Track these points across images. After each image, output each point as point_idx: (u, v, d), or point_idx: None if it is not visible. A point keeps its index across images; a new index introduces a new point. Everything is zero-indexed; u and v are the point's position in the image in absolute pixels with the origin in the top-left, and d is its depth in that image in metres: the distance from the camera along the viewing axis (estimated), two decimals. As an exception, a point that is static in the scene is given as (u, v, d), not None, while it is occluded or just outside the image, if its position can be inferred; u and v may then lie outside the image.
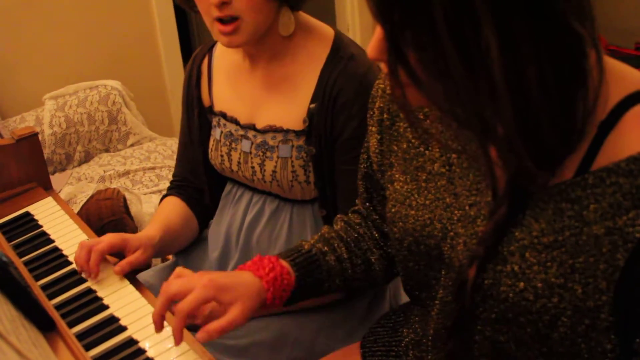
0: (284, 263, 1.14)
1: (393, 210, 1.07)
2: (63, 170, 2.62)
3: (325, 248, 1.20)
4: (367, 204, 1.23)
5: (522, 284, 0.87)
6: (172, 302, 1.06)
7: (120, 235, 1.34)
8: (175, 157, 2.57)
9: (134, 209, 1.99)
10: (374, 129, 1.12)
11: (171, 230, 1.51)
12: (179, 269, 1.12)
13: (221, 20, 1.30)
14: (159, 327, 1.07)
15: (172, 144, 2.69)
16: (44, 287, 1.30)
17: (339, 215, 1.29)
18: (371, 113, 1.12)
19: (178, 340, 1.04)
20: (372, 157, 1.15)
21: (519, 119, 0.76)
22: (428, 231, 1.00)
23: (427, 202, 1.01)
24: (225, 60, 1.52)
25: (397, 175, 1.07)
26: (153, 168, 2.50)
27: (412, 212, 1.02)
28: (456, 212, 0.97)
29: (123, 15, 3.01)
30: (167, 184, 2.28)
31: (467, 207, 0.95)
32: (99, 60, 2.97)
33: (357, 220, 1.25)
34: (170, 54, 3.16)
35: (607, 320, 0.83)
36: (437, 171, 1.00)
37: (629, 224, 0.79)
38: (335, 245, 1.21)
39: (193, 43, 4.77)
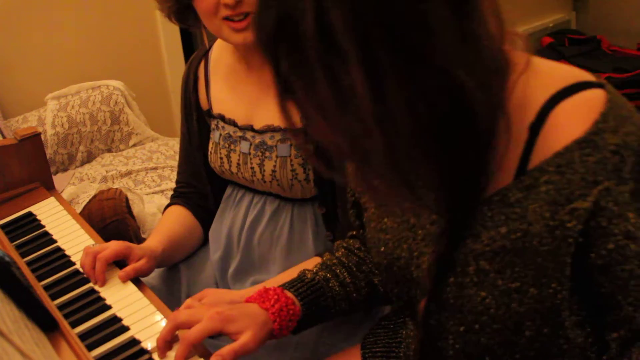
0: (289, 294, 1.16)
1: (369, 235, 1.09)
2: (65, 170, 2.62)
3: (328, 275, 1.21)
4: (361, 230, 1.25)
5: (483, 292, 0.88)
6: (177, 329, 1.10)
7: (125, 244, 1.35)
8: (177, 157, 2.58)
9: (136, 209, 1.99)
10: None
11: (174, 242, 1.51)
12: (189, 301, 1.16)
13: (231, 19, 1.31)
14: (162, 353, 1.10)
15: (174, 144, 2.69)
16: (47, 287, 1.30)
17: (338, 242, 1.31)
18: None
19: None
20: (352, 185, 1.16)
21: (391, 156, 0.78)
22: (397, 253, 1.01)
23: (395, 224, 1.02)
24: (221, 64, 1.52)
25: (367, 201, 1.10)
26: (155, 168, 2.50)
27: (383, 235, 1.04)
28: (419, 231, 0.98)
29: (125, 16, 3.01)
30: (170, 184, 2.28)
31: (428, 226, 0.96)
32: (101, 61, 2.96)
33: (357, 245, 1.27)
34: (172, 55, 3.16)
35: (570, 317, 0.85)
36: None
37: (567, 219, 0.81)
38: (338, 271, 1.22)
39: (195, 43, 4.76)
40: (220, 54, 1.52)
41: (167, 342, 1.09)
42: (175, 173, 2.43)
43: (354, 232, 1.29)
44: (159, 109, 3.17)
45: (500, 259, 0.86)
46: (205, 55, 1.56)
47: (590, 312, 0.86)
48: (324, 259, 1.26)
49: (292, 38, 0.75)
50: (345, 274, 1.22)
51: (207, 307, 1.12)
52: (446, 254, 0.91)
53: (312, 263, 1.40)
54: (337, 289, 1.20)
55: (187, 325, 1.08)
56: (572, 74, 0.87)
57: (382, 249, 1.04)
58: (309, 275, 1.21)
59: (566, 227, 0.81)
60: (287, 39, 0.76)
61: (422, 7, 0.73)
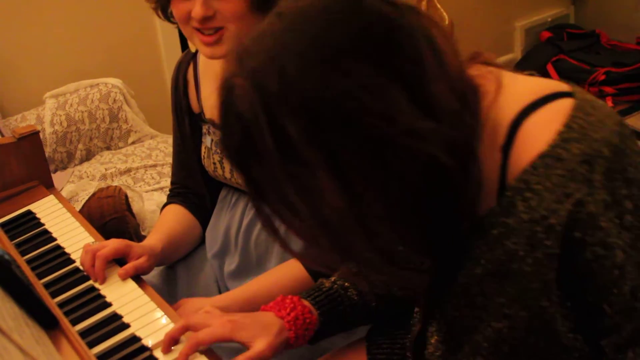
0: (305, 302, 1.16)
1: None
2: (64, 168, 2.62)
3: (347, 283, 1.20)
4: None
5: (486, 316, 0.87)
6: (188, 330, 1.11)
7: (124, 241, 1.35)
8: (176, 155, 2.57)
9: (135, 206, 1.99)
10: None
11: (173, 240, 1.51)
12: (208, 307, 1.18)
13: (202, 31, 1.30)
14: (166, 348, 1.11)
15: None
16: (47, 285, 1.30)
17: None
18: None
19: None
20: None
21: (373, 243, 0.79)
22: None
23: None
24: (211, 67, 1.50)
25: None
26: (154, 165, 2.50)
27: None
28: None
29: (123, 13, 3.00)
30: (169, 182, 2.27)
31: None
32: (100, 58, 2.96)
33: None
34: (170, 52, 3.16)
35: (564, 325, 0.84)
36: None
37: (544, 237, 0.79)
38: (357, 279, 1.20)
39: (193, 41, 4.77)
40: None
41: (174, 339, 1.11)
42: (175, 170, 2.43)
43: None
44: (158, 107, 3.16)
45: (496, 281, 0.85)
46: (194, 58, 1.54)
47: (582, 317, 0.84)
48: (344, 267, 1.24)
49: (255, 155, 0.78)
50: (364, 282, 1.19)
51: (220, 314, 1.13)
52: (444, 281, 0.90)
53: (291, 264, 1.40)
54: (356, 298, 1.19)
55: (198, 328, 1.09)
56: (541, 86, 0.85)
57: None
58: (326, 284, 1.20)
59: (545, 244, 0.79)
60: (252, 156, 0.79)
61: (372, 95, 0.74)
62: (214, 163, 1.50)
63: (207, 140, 1.51)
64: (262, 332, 1.09)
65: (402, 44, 0.77)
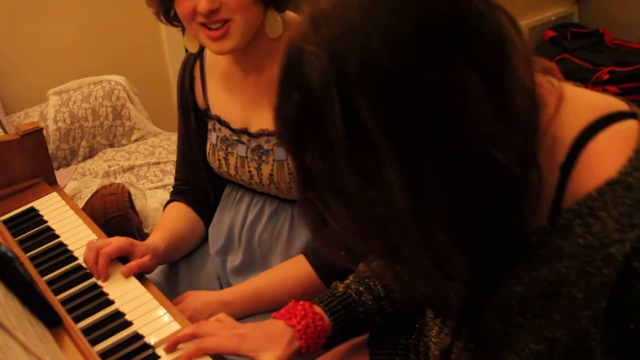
0: (317, 309, 1.14)
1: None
2: (67, 165, 2.62)
3: (361, 288, 1.18)
4: None
5: (525, 335, 0.85)
6: (196, 337, 1.10)
7: (128, 240, 1.35)
8: (180, 152, 2.57)
9: (138, 204, 1.99)
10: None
11: (176, 239, 1.51)
12: (221, 315, 1.17)
13: (208, 27, 1.30)
14: (170, 348, 1.10)
15: (176, 139, 2.68)
16: (50, 283, 1.30)
17: None
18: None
19: None
20: None
21: (430, 248, 0.75)
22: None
23: None
24: (218, 64, 1.51)
25: None
26: (157, 163, 2.50)
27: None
28: None
29: (127, 10, 3.00)
30: (172, 179, 2.27)
31: None
32: (103, 56, 2.96)
33: None
34: (174, 49, 3.16)
35: (600, 350, 0.81)
36: None
37: (603, 265, 0.76)
38: (372, 284, 1.18)
39: (197, 38, 4.77)
40: (216, 55, 1.51)
41: (179, 343, 1.10)
42: (177, 168, 2.43)
43: None
44: (161, 104, 3.16)
45: (541, 302, 0.82)
46: (200, 55, 1.55)
47: (618, 343, 0.81)
48: (359, 269, 1.22)
49: (316, 132, 0.73)
50: (379, 287, 1.18)
51: (231, 325, 1.13)
52: (483, 296, 0.87)
53: (296, 261, 1.40)
54: (370, 303, 1.17)
55: (205, 337, 1.09)
56: (602, 103, 0.82)
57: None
58: (340, 289, 1.18)
59: (603, 273, 0.76)
60: (310, 130, 0.73)
61: (460, 93, 0.70)
62: (219, 159, 1.50)
63: (212, 137, 1.51)
64: (271, 345, 1.08)
65: (493, 44, 0.73)
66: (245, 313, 1.40)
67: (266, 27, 1.34)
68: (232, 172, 1.49)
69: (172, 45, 3.15)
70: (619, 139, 0.78)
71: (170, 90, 3.22)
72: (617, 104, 0.82)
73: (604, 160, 0.77)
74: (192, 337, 1.10)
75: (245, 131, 1.44)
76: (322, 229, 0.83)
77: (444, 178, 0.72)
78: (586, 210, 0.77)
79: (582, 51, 3.78)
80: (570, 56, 3.74)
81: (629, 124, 0.79)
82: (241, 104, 1.46)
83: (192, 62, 1.55)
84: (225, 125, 1.48)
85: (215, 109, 1.51)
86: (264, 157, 1.41)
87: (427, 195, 0.72)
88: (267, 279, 1.41)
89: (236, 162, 1.47)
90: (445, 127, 0.70)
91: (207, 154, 1.54)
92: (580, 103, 0.82)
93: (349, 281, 1.20)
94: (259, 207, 1.49)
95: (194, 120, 1.55)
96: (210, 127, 1.52)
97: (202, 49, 1.54)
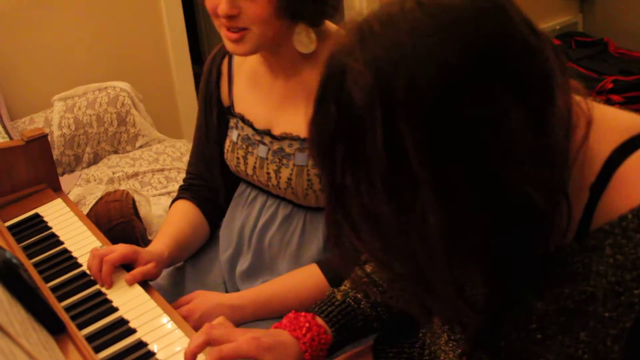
0: (320, 321, 1.13)
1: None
2: (72, 171, 2.62)
3: (359, 295, 1.18)
4: None
5: (545, 352, 0.84)
6: (209, 345, 1.06)
7: (132, 247, 1.35)
8: (183, 159, 2.58)
9: (142, 211, 1.99)
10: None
11: (180, 243, 1.51)
12: (221, 318, 1.13)
13: (228, 27, 1.31)
14: None
15: (180, 146, 2.69)
16: (54, 289, 1.30)
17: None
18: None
19: None
20: None
21: (456, 277, 0.74)
22: None
23: None
24: (246, 62, 1.51)
25: None
26: (162, 170, 2.50)
27: None
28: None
29: (132, 17, 3.01)
30: (176, 186, 2.27)
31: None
32: (108, 62, 2.97)
33: None
34: (179, 56, 3.16)
35: None
36: None
37: (634, 285, 0.76)
38: (369, 290, 1.17)
39: (202, 44, 4.77)
40: None
41: (195, 355, 1.06)
42: (181, 175, 2.43)
43: None
44: (166, 111, 3.17)
45: (563, 319, 0.82)
46: None
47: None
48: (353, 275, 1.23)
49: (353, 149, 0.71)
50: (377, 293, 1.17)
51: (241, 330, 1.10)
52: (500, 317, 0.87)
53: (309, 270, 1.39)
54: (369, 310, 1.17)
55: (220, 342, 1.06)
56: (631, 123, 0.81)
57: None
58: (339, 297, 1.17)
59: (633, 293, 0.76)
60: (346, 149, 0.72)
61: (504, 130, 0.69)
62: (237, 158, 1.50)
63: (233, 134, 1.52)
64: (284, 355, 1.07)
65: (541, 82, 0.72)
66: (255, 318, 1.39)
67: (295, 42, 1.34)
68: (250, 171, 1.49)
69: (177, 52, 3.16)
70: None
71: (174, 97, 3.22)
72: None
73: (637, 182, 0.77)
74: (206, 344, 1.06)
75: (268, 132, 1.44)
76: (345, 247, 0.82)
77: (478, 212, 0.71)
78: (619, 230, 0.76)
79: (586, 60, 3.79)
80: (574, 65, 3.74)
81: None
82: (266, 105, 1.46)
83: (221, 57, 1.55)
84: (249, 124, 1.48)
85: (239, 107, 1.51)
86: (284, 161, 1.41)
87: (460, 227, 0.71)
88: (279, 286, 1.41)
89: (255, 163, 1.47)
90: (487, 164, 0.69)
91: (226, 151, 1.54)
92: (609, 123, 0.81)
93: (346, 288, 1.20)
94: (272, 210, 1.49)
95: (215, 116, 1.55)
96: (232, 124, 1.53)
97: None
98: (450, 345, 1.02)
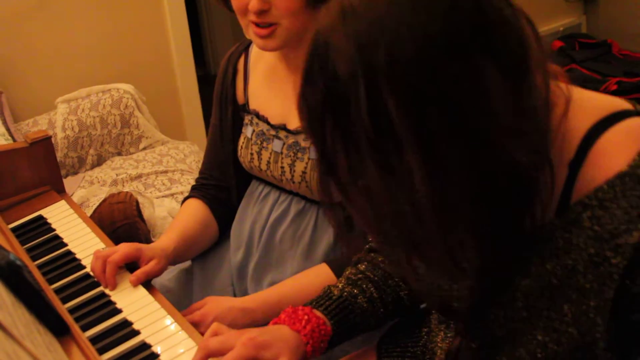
0: (319, 313, 1.14)
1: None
2: (75, 173, 2.63)
3: (355, 290, 1.19)
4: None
5: (533, 329, 0.86)
6: (209, 358, 1.06)
7: (134, 246, 1.35)
8: (187, 161, 2.58)
9: (146, 212, 2.00)
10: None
11: (187, 239, 1.51)
12: (215, 325, 1.12)
13: (257, 24, 1.32)
14: None
15: (184, 148, 2.70)
16: (58, 291, 1.30)
17: (359, 255, 1.27)
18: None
19: None
20: None
21: (446, 237, 0.76)
22: (437, 282, 0.99)
23: None
24: (262, 60, 1.53)
25: None
26: (165, 172, 2.50)
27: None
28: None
29: (135, 19, 3.02)
30: (180, 188, 2.28)
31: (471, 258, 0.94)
32: (112, 64, 2.97)
33: (379, 258, 1.24)
34: (182, 58, 3.17)
35: (604, 342, 0.82)
36: None
37: (611, 255, 0.78)
38: (364, 286, 1.19)
39: (205, 46, 4.78)
40: (261, 51, 1.51)
41: None
42: (185, 177, 2.44)
43: (374, 245, 1.25)
44: (169, 113, 3.17)
45: (547, 295, 0.84)
46: (246, 49, 1.56)
47: (619, 335, 0.83)
48: (347, 273, 1.23)
49: (340, 120, 0.75)
50: (372, 288, 1.19)
51: (236, 333, 1.09)
52: (491, 290, 0.89)
53: (319, 270, 1.40)
54: (365, 305, 1.18)
55: (219, 354, 1.05)
56: (609, 103, 0.84)
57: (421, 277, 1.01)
58: (335, 292, 1.18)
59: (611, 263, 0.78)
60: (334, 120, 0.75)
61: (482, 88, 0.72)
62: (251, 154, 1.51)
63: (247, 131, 1.52)
64: (284, 349, 1.06)
65: (515, 47, 0.76)
66: (265, 320, 1.39)
67: None
68: (264, 167, 1.49)
69: (180, 54, 3.16)
70: (628, 135, 0.80)
71: (178, 99, 3.23)
72: (623, 104, 0.84)
73: (613, 154, 0.79)
74: (207, 357, 1.06)
75: (284, 127, 1.45)
76: (338, 212, 0.85)
77: (462, 171, 0.73)
78: (596, 202, 0.79)
79: (590, 62, 3.79)
80: (578, 67, 3.75)
81: (637, 121, 0.81)
82: (281, 100, 1.47)
83: (237, 56, 1.57)
84: (264, 120, 1.48)
85: (254, 104, 1.52)
86: (299, 154, 1.42)
87: (446, 186, 0.73)
88: (289, 287, 1.41)
89: (269, 158, 1.47)
90: (466, 120, 0.72)
91: (240, 147, 1.54)
92: (587, 103, 0.85)
93: (341, 284, 1.21)
94: (284, 205, 1.49)
95: (230, 114, 1.56)
96: (246, 121, 1.53)
97: (247, 45, 1.56)
98: (447, 342, 1.04)
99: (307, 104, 0.79)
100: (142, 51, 3.07)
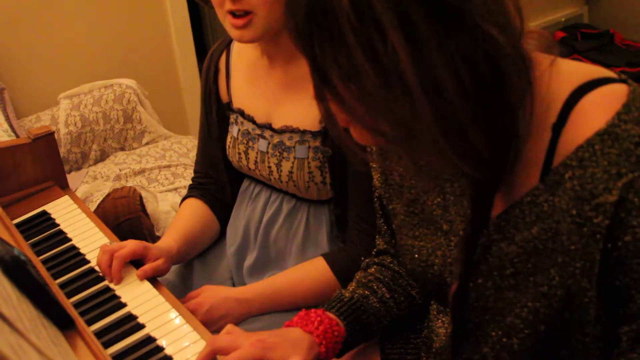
0: (331, 315, 1.14)
1: (401, 242, 1.08)
2: (79, 169, 2.63)
3: (366, 292, 1.19)
4: (393, 241, 1.21)
5: (521, 296, 0.87)
6: (216, 354, 1.07)
7: (142, 243, 1.36)
8: (190, 155, 2.58)
9: (150, 207, 2.00)
10: (374, 164, 1.12)
11: (190, 239, 1.52)
12: (229, 326, 1.12)
13: (233, 14, 1.30)
14: None
15: (187, 142, 2.70)
16: (62, 286, 1.31)
17: (368, 260, 1.28)
18: (370, 149, 1.10)
19: None
20: (380, 193, 1.14)
21: (439, 122, 0.76)
22: (431, 260, 1.01)
23: (428, 231, 1.01)
24: (244, 57, 1.51)
25: (397, 208, 1.08)
26: (168, 166, 2.50)
27: (417, 242, 1.03)
28: (452, 237, 0.97)
29: (137, 14, 3.02)
30: (183, 182, 2.28)
31: (461, 232, 0.95)
32: (114, 59, 2.97)
33: (388, 260, 1.24)
34: (184, 52, 3.17)
35: (594, 315, 0.83)
36: (432, 201, 1.00)
37: (593, 215, 0.79)
38: (375, 287, 1.20)
39: (207, 40, 4.78)
40: (243, 47, 1.50)
41: None
42: (188, 171, 2.44)
43: (382, 247, 1.25)
44: (172, 107, 3.17)
45: (533, 260, 0.85)
46: (227, 47, 1.55)
47: (606, 304, 0.84)
48: (357, 277, 1.24)
49: (325, 17, 0.75)
50: (383, 289, 1.20)
51: (247, 334, 1.09)
52: (475, 257, 0.90)
53: (315, 263, 1.40)
54: (377, 305, 1.18)
55: (226, 352, 1.06)
56: (593, 71, 0.85)
57: (416, 255, 1.03)
58: (346, 294, 1.19)
59: (593, 222, 0.79)
60: (320, 19, 0.76)
61: None
62: (239, 153, 1.51)
63: (233, 130, 1.52)
64: (294, 349, 1.06)
65: None
66: (261, 312, 1.40)
67: None
68: (252, 166, 1.49)
69: (183, 49, 3.16)
70: (607, 97, 0.81)
71: (180, 94, 3.23)
72: (605, 72, 0.85)
73: (593, 115, 0.80)
74: (213, 354, 1.07)
75: (269, 126, 1.45)
76: (332, 117, 0.86)
77: (443, 52, 0.74)
78: (576, 162, 0.80)
79: (592, 52, 3.78)
80: (580, 57, 3.74)
81: (618, 86, 0.82)
82: (266, 98, 1.46)
83: (218, 54, 1.56)
84: (249, 119, 1.48)
85: (238, 102, 1.52)
86: (284, 154, 1.42)
87: (430, 68, 0.74)
88: (285, 279, 1.42)
89: (256, 157, 1.47)
90: (444, 3, 0.73)
91: (227, 147, 1.55)
92: (570, 68, 0.86)
93: (353, 287, 1.21)
94: (276, 205, 1.50)
95: (215, 113, 1.56)
96: (232, 120, 1.53)
97: (229, 42, 1.55)
98: (444, 328, 1.06)
99: (293, 17, 0.80)
100: (144, 46, 3.07)
